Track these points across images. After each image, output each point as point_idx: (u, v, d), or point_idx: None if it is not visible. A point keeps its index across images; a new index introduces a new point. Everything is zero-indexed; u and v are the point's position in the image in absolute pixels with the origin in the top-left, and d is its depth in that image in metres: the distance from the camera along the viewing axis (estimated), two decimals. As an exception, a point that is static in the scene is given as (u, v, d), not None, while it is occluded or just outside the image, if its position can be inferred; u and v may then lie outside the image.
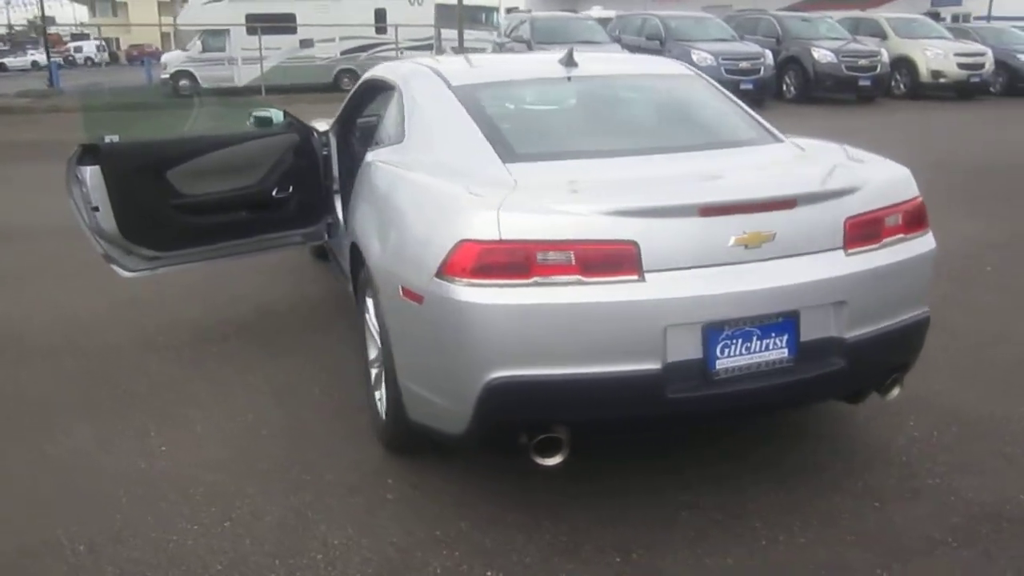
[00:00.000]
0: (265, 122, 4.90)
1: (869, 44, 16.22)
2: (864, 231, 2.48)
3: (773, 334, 2.38)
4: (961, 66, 15.77)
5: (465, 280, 2.25)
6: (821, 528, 2.59)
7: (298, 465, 3.00)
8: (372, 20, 20.51)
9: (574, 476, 2.80)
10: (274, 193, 4.46)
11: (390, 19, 20.53)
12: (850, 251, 2.46)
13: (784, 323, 2.38)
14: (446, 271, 2.29)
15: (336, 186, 4.72)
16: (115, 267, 4.09)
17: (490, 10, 23.50)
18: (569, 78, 3.26)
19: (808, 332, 2.41)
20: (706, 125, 3.07)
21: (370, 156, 3.41)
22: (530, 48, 15.15)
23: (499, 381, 2.25)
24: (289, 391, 3.60)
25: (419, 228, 2.48)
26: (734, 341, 2.34)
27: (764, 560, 2.45)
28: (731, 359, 2.35)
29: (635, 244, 2.24)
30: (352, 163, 4.79)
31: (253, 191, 4.40)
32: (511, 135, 2.79)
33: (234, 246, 4.38)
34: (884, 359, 2.60)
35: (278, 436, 3.22)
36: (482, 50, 20.04)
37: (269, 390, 3.62)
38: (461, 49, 19.91)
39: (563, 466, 2.44)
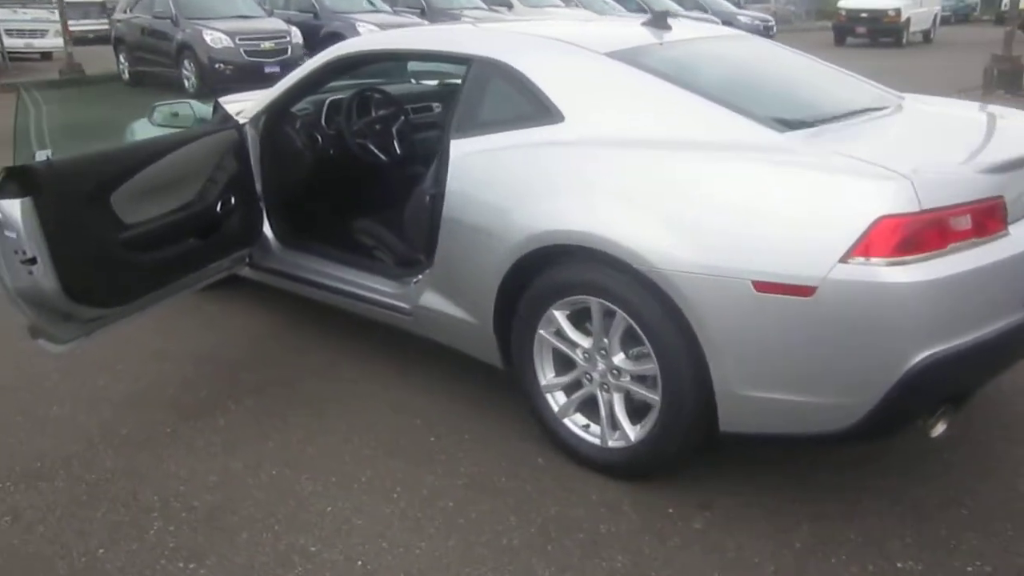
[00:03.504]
0: (181, 120, 3.74)
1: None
2: None
3: None
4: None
5: (886, 259, 2.06)
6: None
7: (551, 525, 2.47)
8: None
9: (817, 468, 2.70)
10: (218, 208, 3.49)
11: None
12: None
13: None
14: (858, 253, 2.07)
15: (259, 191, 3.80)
16: (43, 342, 2.87)
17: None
18: (661, 43, 3.06)
19: None
20: (853, 86, 3.13)
21: (486, 142, 2.78)
22: (176, 24, 13.30)
23: (928, 360, 2.10)
24: (398, 449, 2.88)
25: (792, 212, 2.16)
26: None
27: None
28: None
29: (1002, 198, 2.25)
30: (294, 159, 3.86)
31: (197, 209, 3.40)
32: (738, 102, 2.55)
33: (176, 286, 3.35)
34: None
35: (471, 500, 2.59)
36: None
37: (370, 454, 2.85)
38: (67, 35, 16.77)
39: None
